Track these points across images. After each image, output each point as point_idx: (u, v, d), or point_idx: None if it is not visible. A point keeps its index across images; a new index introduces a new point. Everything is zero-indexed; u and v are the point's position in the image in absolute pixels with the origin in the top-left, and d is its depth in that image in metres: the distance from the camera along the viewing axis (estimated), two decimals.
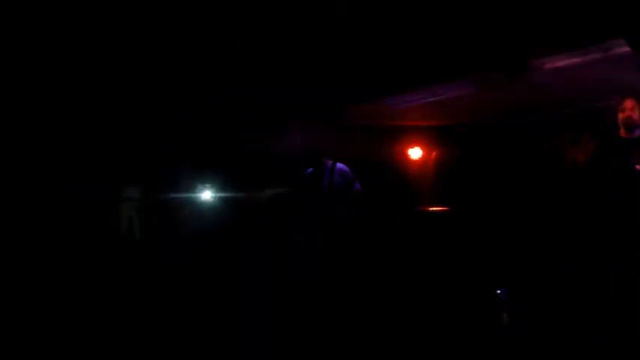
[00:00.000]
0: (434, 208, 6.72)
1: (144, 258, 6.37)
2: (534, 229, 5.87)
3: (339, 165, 5.72)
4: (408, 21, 4.99)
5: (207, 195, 6.83)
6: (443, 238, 6.31)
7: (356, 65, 5.42)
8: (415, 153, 7.32)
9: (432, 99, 6.00)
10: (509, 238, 6.04)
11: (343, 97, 5.84)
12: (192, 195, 6.77)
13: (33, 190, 5.93)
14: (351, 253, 5.59)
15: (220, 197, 6.76)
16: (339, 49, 5.26)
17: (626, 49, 4.66)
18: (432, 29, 5.03)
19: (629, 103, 4.97)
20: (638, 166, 4.87)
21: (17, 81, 5.52)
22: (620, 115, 4.98)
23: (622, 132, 5.00)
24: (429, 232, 6.40)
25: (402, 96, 5.97)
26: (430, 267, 5.97)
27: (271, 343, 5.13)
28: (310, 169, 5.81)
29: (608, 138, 5.08)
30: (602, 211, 4.90)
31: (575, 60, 5.03)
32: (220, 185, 6.76)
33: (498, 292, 5.38)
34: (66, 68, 5.56)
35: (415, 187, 7.19)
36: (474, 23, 4.88)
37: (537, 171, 6.14)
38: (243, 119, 5.94)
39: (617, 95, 5.16)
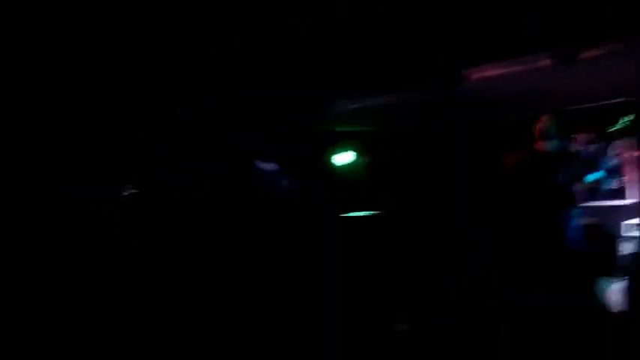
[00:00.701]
0: (364, 213, 6.70)
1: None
2: (466, 230, 5.98)
3: (265, 164, 5.83)
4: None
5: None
6: (374, 243, 6.29)
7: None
8: (346, 157, 7.37)
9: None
10: (440, 243, 6.10)
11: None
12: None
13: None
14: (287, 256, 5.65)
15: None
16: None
17: (551, 61, 4.87)
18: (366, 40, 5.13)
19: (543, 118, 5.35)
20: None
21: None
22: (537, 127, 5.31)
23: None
24: (360, 237, 6.37)
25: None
26: (363, 271, 5.97)
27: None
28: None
29: (530, 149, 5.32)
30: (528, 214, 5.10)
31: (502, 70, 5.22)
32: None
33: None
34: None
35: (345, 192, 7.18)
36: (408, 34, 4.99)
37: (469, 175, 6.29)
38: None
39: (542, 107, 5.42)
